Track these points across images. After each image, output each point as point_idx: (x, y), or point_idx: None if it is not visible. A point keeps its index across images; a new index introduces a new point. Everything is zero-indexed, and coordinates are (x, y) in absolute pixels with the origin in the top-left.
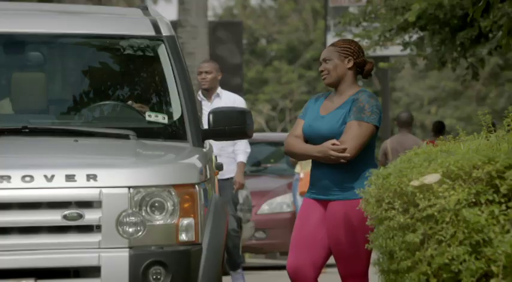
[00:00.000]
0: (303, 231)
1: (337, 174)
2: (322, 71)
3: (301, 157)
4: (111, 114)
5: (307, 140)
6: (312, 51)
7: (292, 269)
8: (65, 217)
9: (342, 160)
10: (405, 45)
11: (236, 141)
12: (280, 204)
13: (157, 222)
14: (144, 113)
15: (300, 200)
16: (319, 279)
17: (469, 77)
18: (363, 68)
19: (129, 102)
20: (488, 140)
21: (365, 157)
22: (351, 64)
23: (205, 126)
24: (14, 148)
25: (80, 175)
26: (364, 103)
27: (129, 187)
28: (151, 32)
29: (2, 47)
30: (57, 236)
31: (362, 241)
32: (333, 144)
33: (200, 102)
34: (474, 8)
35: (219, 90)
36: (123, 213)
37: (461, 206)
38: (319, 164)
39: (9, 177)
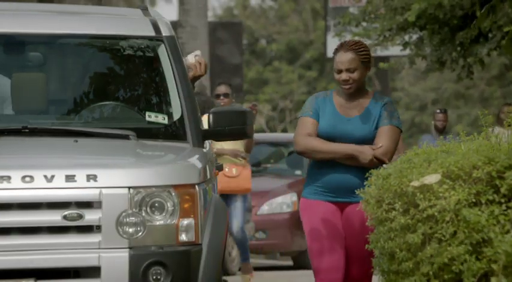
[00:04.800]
0: (327, 235)
1: (360, 176)
2: (346, 80)
3: (326, 155)
4: (111, 114)
5: (327, 140)
6: (312, 51)
7: (322, 274)
8: (65, 217)
9: (382, 162)
10: (405, 45)
11: None
12: (280, 204)
13: (157, 223)
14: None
15: None
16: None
17: (464, 75)
18: None
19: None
20: (488, 140)
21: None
22: (369, 69)
23: None
24: (14, 148)
25: (80, 175)
26: (392, 108)
27: (129, 187)
28: (151, 33)
29: (2, 47)
30: (57, 237)
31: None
32: (374, 149)
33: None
34: (477, 15)
35: None
36: (123, 214)
37: (462, 206)
38: (340, 167)
39: (9, 177)
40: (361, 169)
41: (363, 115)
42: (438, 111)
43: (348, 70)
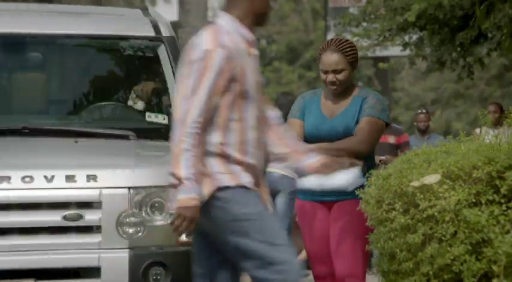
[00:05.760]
0: (321, 241)
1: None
2: (333, 82)
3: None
4: (111, 114)
5: (312, 141)
6: (312, 51)
7: (320, 280)
8: (65, 218)
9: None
10: (405, 45)
11: None
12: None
13: (157, 223)
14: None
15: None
16: None
17: (464, 75)
18: None
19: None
20: (488, 140)
21: (370, 157)
22: (354, 67)
23: None
24: (14, 149)
25: (80, 176)
26: (374, 100)
27: (129, 188)
28: (151, 33)
29: (2, 47)
30: (57, 237)
31: (364, 241)
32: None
33: None
34: (477, 14)
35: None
36: (123, 214)
37: (462, 206)
38: None
39: (9, 177)
40: None
41: (344, 112)
42: (419, 111)
43: (334, 71)
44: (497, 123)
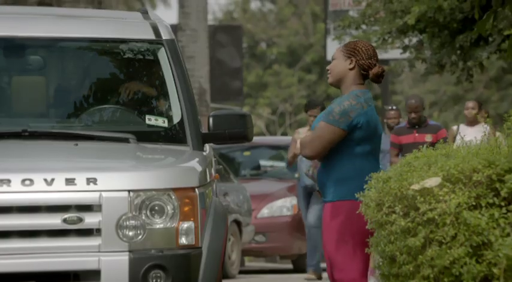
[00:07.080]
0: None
1: (322, 176)
2: (327, 70)
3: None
4: (111, 117)
5: None
6: (311, 54)
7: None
8: (64, 221)
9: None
10: (405, 48)
11: None
12: (280, 207)
13: (157, 226)
14: (152, 99)
15: None
16: None
17: (463, 79)
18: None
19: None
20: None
21: (341, 161)
22: (352, 65)
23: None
24: (14, 152)
25: (80, 179)
26: (335, 105)
27: (129, 191)
28: (151, 36)
29: (2, 50)
30: (57, 240)
31: (337, 247)
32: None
33: None
34: (476, 18)
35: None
36: (123, 217)
37: (462, 209)
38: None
39: (9, 180)
40: (323, 169)
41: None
42: (390, 107)
43: (332, 59)
44: (474, 121)
